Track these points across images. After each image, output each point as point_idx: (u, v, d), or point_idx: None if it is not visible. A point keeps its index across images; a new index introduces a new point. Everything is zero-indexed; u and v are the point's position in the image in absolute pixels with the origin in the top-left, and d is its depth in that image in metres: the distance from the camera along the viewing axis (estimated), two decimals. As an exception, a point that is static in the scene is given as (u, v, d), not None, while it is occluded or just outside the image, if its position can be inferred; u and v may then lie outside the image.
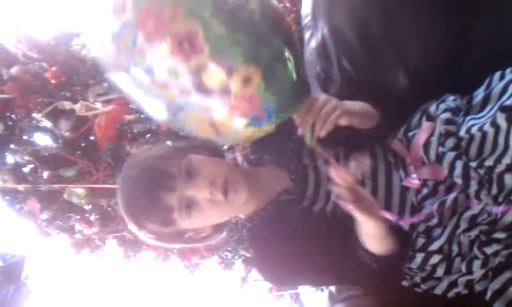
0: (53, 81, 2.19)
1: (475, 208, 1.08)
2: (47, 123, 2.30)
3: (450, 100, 1.20)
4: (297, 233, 1.22)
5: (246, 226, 1.30)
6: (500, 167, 1.04)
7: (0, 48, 2.27)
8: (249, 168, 1.35)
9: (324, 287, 2.22)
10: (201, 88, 0.96)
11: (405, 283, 1.24)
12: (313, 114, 1.08)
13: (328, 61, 1.46)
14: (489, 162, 1.04)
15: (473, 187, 1.06)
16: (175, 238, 1.23)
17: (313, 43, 1.52)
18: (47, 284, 2.81)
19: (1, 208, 2.53)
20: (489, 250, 1.08)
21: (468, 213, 1.09)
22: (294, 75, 1.05)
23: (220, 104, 0.98)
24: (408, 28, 1.31)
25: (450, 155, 1.09)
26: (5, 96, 2.21)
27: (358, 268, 1.16)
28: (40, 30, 2.27)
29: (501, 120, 1.01)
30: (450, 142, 1.10)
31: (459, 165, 1.08)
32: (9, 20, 2.28)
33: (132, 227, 1.19)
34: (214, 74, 0.95)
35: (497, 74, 1.12)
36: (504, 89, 1.06)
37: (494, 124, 1.03)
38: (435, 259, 1.15)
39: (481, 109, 1.11)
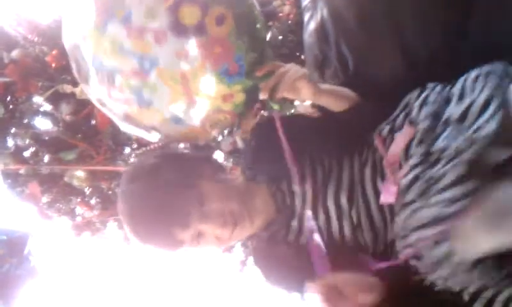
0: (53, 65, 2.19)
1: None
2: (47, 107, 2.32)
3: (434, 94, 1.14)
4: (292, 257, 1.23)
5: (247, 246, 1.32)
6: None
7: (1, 32, 2.27)
8: (245, 184, 1.27)
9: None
10: (177, 27, 1.01)
11: None
12: (277, 77, 1.12)
13: (326, 44, 1.45)
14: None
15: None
16: (178, 252, 1.20)
17: (312, 25, 1.50)
18: (49, 262, 2.83)
19: (3, 189, 2.55)
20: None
21: None
22: (264, 34, 1.13)
23: (194, 45, 1.02)
24: (407, 10, 1.30)
25: (413, 162, 1.06)
26: (6, 79, 2.22)
27: None
28: (40, 14, 2.27)
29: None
30: (419, 151, 1.06)
31: (412, 173, 1.04)
32: (9, 3, 2.28)
33: (135, 241, 1.17)
34: (190, 11, 1.00)
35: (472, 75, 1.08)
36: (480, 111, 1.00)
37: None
38: None
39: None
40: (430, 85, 1.18)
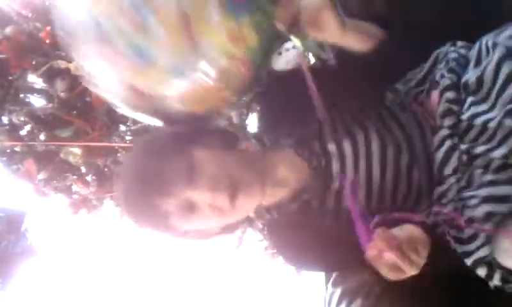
0: (48, 41, 2.18)
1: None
2: (42, 84, 2.30)
3: (445, 65, 1.11)
4: (320, 229, 1.10)
5: (264, 217, 1.16)
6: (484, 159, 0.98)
7: (-6, 8, 2.26)
8: (262, 153, 1.13)
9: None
10: None
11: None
12: (297, 4, 0.98)
13: None
14: (479, 149, 0.98)
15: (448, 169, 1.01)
16: (179, 237, 1.09)
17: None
18: (46, 239, 2.84)
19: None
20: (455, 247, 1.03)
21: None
22: None
23: None
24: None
25: (443, 133, 1.04)
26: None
27: None
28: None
29: (509, 122, 0.94)
30: (449, 121, 1.04)
31: (447, 144, 1.03)
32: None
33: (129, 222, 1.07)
34: None
35: (486, 42, 1.04)
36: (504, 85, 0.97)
37: (500, 125, 0.95)
38: None
39: (479, 94, 1.02)
40: (458, 43, 1.13)
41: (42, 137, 2.41)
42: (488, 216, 0.94)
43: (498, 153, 0.95)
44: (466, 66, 1.07)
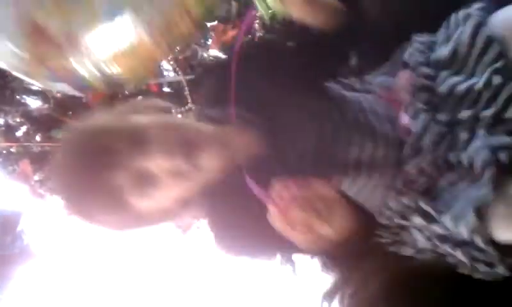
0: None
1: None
2: (37, 85, 2.31)
3: (417, 43, 1.14)
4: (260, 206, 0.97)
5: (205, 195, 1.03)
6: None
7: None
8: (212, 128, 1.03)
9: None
10: None
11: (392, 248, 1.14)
12: None
13: None
14: (463, 114, 0.98)
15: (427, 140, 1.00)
16: (132, 224, 0.97)
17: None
18: (43, 240, 2.84)
19: (-5, 169, 2.56)
20: (417, 221, 1.00)
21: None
22: None
23: None
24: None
25: (418, 106, 1.03)
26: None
27: None
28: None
29: (496, 80, 0.94)
30: (425, 96, 1.04)
31: (422, 118, 1.02)
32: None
33: (78, 219, 0.95)
34: None
35: (456, 17, 1.07)
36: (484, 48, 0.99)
37: (486, 85, 0.95)
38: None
39: (453, 66, 1.04)
40: (417, 36, 1.15)
41: (38, 138, 2.42)
42: (487, 163, 0.90)
43: (488, 112, 0.94)
44: (433, 49, 1.09)
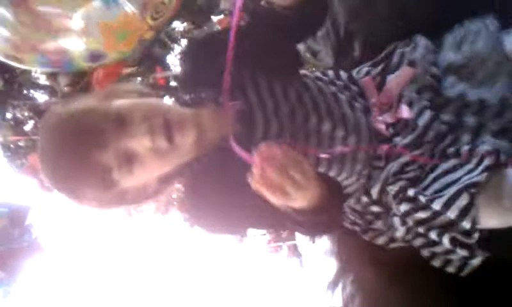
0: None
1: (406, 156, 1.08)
2: (45, 79, 2.32)
3: (423, 44, 1.20)
4: (238, 182, 1.01)
5: (184, 173, 1.11)
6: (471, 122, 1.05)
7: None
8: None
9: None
10: None
11: (348, 225, 1.23)
12: None
13: None
14: (469, 120, 1.06)
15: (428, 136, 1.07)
16: (117, 201, 1.03)
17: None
18: (51, 234, 2.86)
19: (4, 163, 2.57)
20: (403, 208, 1.05)
21: (398, 162, 1.09)
22: None
23: None
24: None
25: (423, 103, 1.10)
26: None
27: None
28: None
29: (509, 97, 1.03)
30: (429, 95, 1.12)
31: (427, 115, 1.09)
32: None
33: (66, 199, 0.99)
34: None
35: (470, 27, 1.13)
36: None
37: (502, 100, 1.05)
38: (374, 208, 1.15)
39: (463, 74, 1.12)
40: (417, 37, 1.22)
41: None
42: (488, 153, 0.98)
43: (496, 122, 1.04)
44: (438, 52, 1.17)
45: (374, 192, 1.12)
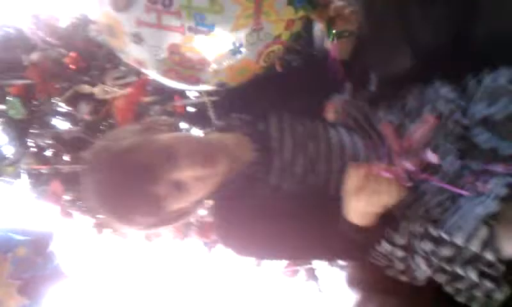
0: (72, 66, 2.24)
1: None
2: (67, 108, 2.36)
3: (446, 91, 1.21)
4: (267, 211, 1.19)
5: (214, 196, 1.23)
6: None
7: (20, 35, 2.33)
8: (215, 135, 1.33)
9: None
10: None
11: (390, 272, 1.24)
12: (338, 8, 1.15)
13: None
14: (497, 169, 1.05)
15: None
16: (161, 223, 1.17)
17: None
18: (73, 260, 2.89)
19: (27, 190, 2.61)
20: (428, 247, 1.08)
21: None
22: None
23: None
24: (416, 5, 1.34)
25: (450, 148, 1.13)
26: (26, 81, 2.27)
27: (335, 241, 1.14)
28: (58, 16, 2.32)
29: None
30: (457, 143, 1.14)
31: (455, 161, 1.11)
32: (28, 7, 2.33)
33: (115, 224, 1.14)
34: None
35: (501, 81, 1.13)
36: None
37: None
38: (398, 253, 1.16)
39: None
40: (437, 81, 1.24)
41: (67, 158, 2.47)
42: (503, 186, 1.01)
43: None
44: (463, 98, 1.19)
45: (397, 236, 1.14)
